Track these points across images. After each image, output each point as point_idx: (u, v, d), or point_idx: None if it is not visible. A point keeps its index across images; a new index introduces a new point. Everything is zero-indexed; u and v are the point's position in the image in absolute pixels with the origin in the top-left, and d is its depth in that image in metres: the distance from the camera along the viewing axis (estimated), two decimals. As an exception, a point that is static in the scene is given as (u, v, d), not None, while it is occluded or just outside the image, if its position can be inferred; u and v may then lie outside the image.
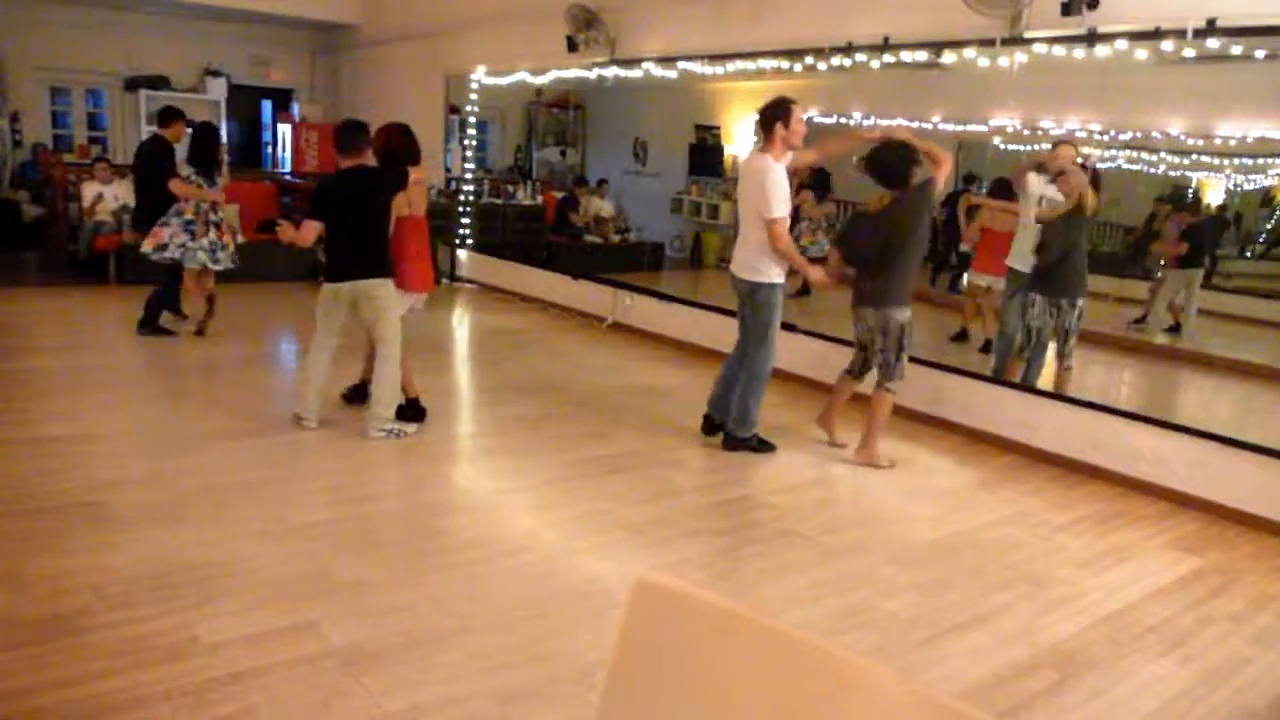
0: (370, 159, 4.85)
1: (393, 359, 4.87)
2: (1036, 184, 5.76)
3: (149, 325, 6.76)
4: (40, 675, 2.61)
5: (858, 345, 5.11)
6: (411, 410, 5.14)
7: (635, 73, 8.07)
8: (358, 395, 5.36)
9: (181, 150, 6.84)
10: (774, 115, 4.77)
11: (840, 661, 1.16)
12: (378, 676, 2.73)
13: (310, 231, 4.83)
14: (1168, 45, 4.73)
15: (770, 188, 4.69)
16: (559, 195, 11.15)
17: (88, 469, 4.24)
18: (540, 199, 11.28)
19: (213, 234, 6.64)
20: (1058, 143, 5.62)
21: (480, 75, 10.00)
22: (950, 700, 1.08)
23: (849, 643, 3.11)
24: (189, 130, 6.90)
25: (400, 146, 4.96)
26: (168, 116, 6.89)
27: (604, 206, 10.95)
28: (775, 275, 4.85)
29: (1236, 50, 4.69)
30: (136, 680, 2.61)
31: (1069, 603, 3.57)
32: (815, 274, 5.06)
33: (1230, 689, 3.03)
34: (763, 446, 5.06)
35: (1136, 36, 4.84)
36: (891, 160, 4.73)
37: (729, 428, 5.07)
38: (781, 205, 4.71)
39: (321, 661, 2.78)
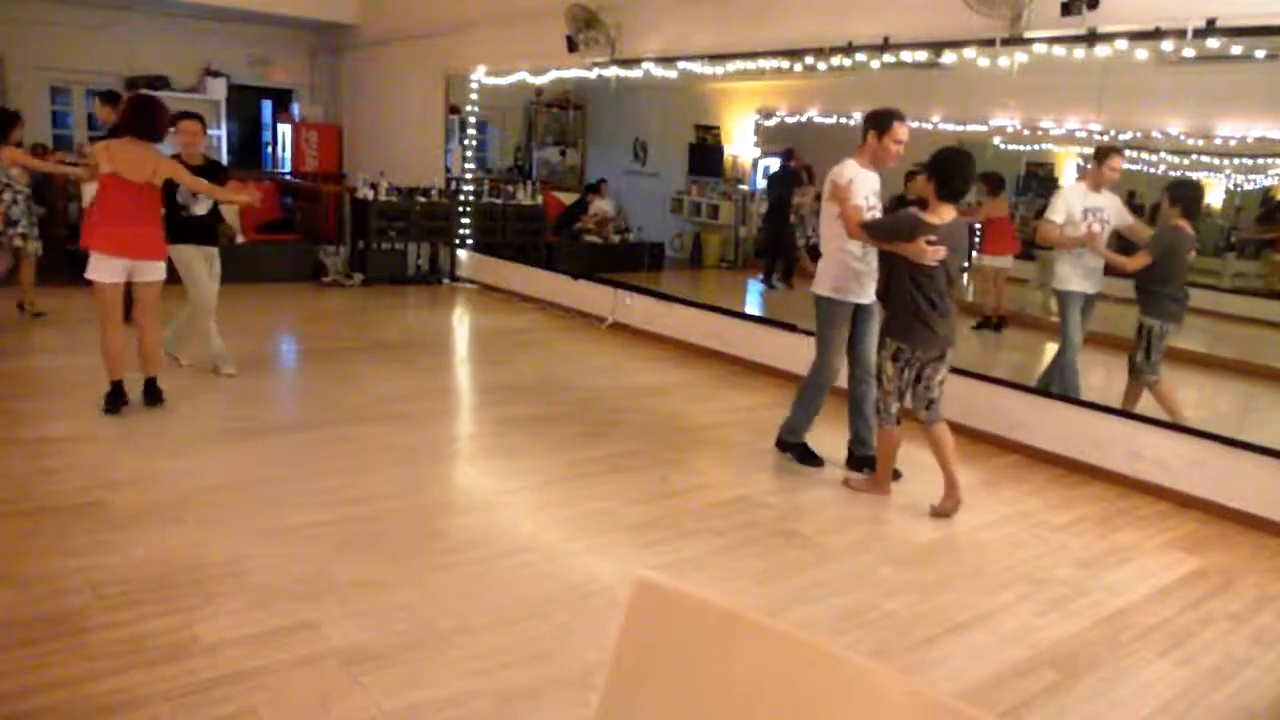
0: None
1: None
2: (1078, 198, 5.37)
3: None
4: (40, 675, 2.61)
5: None
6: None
7: (635, 73, 8.06)
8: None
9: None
10: (872, 123, 4.48)
11: (840, 661, 1.16)
12: (378, 676, 2.73)
13: None
14: (1168, 45, 4.73)
15: (829, 184, 4.52)
16: (570, 197, 11.17)
17: (88, 469, 4.24)
18: (540, 199, 11.29)
19: None
20: (1108, 151, 5.36)
21: (480, 75, 10.00)
22: (950, 700, 1.08)
23: (849, 643, 3.11)
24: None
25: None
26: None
27: (604, 206, 10.96)
28: (824, 289, 4.69)
29: (1236, 50, 4.69)
30: (136, 680, 2.61)
31: (1069, 603, 3.57)
32: (912, 248, 4.14)
33: (1230, 689, 3.03)
34: (806, 459, 4.95)
35: (1136, 36, 4.84)
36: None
37: (780, 432, 5.05)
38: (844, 201, 4.40)
39: (321, 661, 2.78)
